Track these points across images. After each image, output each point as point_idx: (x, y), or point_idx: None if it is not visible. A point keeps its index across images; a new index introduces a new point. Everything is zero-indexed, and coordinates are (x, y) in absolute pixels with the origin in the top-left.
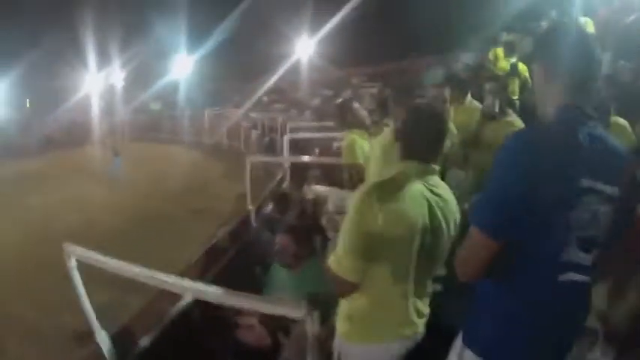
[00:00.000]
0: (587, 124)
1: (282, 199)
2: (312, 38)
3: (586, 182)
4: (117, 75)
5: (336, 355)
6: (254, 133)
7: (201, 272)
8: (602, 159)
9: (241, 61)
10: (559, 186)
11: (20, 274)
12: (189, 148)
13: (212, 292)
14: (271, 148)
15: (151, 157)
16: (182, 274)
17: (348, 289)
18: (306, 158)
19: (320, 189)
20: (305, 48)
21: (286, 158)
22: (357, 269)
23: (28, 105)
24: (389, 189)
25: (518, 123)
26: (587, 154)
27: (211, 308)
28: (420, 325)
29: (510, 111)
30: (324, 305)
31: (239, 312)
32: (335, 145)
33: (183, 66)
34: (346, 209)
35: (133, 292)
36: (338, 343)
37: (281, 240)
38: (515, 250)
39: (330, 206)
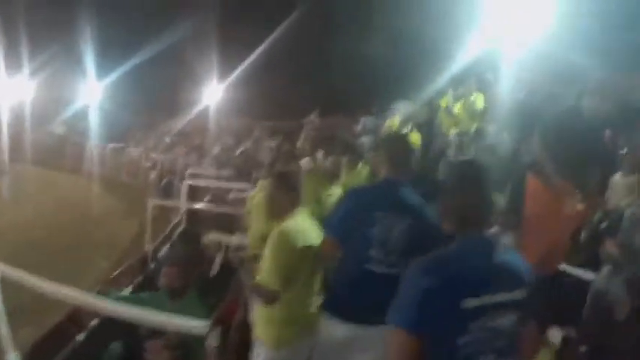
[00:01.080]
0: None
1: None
2: (221, 84)
3: (487, 298)
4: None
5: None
6: (153, 174)
7: None
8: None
9: (150, 96)
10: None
11: None
12: (89, 180)
13: (123, 310)
14: (168, 190)
15: (48, 184)
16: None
17: (275, 298)
18: (203, 206)
19: (215, 236)
20: (214, 93)
21: (185, 204)
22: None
23: None
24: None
25: None
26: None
27: (120, 331)
28: None
29: None
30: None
31: (147, 336)
32: (231, 195)
33: (93, 92)
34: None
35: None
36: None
37: (168, 271)
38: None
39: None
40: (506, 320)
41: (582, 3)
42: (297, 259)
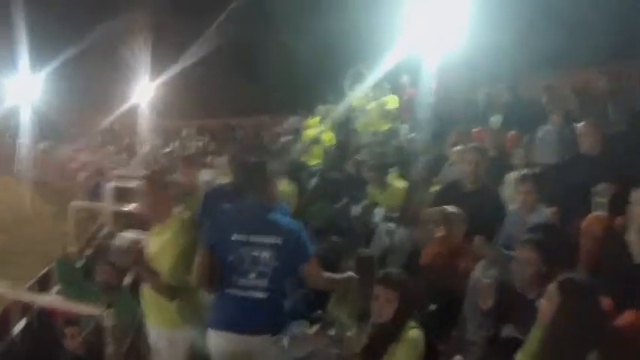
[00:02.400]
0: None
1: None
2: (152, 83)
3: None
4: None
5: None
6: (81, 175)
7: None
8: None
9: (82, 94)
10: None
11: None
12: (19, 181)
13: (29, 295)
14: (97, 192)
15: None
16: None
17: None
18: (128, 207)
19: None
20: (145, 92)
21: (108, 206)
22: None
23: None
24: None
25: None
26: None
27: (49, 322)
28: None
29: None
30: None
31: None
32: None
33: (23, 89)
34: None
35: None
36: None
37: (102, 270)
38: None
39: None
40: (264, 253)
41: (495, 11)
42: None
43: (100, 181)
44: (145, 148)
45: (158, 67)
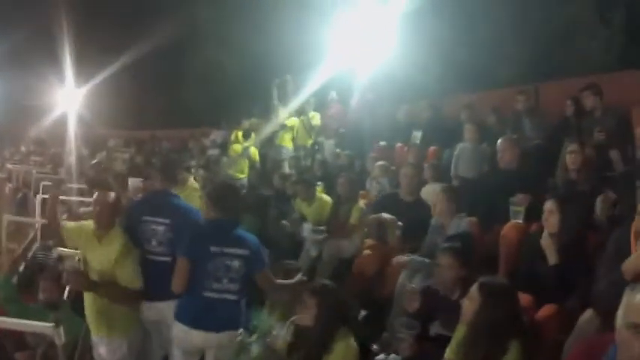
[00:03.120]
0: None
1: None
2: (79, 91)
3: (214, 248)
4: None
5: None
6: (8, 187)
7: None
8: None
9: (5, 102)
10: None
11: None
12: None
13: None
14: (24, 204)
15: None
16: None
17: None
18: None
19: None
20: (71, 100)
21: (38, 220)
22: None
23: None
24: None
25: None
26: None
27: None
28: None
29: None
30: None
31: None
32: (82, 209)
33: None
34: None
35: None
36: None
37: (46, 285)
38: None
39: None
40: (234, 262)
41: (421, 32)
42: None
43: (26, 192)
44: (71, 159)
45: (85, 74)
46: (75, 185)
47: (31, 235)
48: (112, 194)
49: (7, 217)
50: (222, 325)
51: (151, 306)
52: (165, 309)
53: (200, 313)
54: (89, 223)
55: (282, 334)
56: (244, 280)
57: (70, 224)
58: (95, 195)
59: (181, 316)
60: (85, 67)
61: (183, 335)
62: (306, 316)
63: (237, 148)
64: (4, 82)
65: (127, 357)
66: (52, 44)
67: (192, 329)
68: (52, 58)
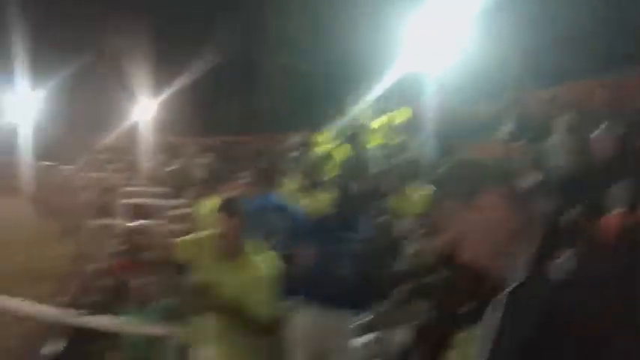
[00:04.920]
0: None
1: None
2: (153, 100)
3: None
4: None
5: None
6: (88, 193)
7: None
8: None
9: (82, 112)
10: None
11: None
12: (24, 201)
13: (98, 321)
14: (104, 209)
15: None
16: None
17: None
18: (140, 223)
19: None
20: (146, 109)
21: (122, 222)
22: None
23: None
24: None
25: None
26: None
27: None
28: None
29: None
30: None
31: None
32: (168, 212)
33: (21, 106)
34: None
35: None
36: None
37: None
38: None
39: None
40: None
41: (502, 26)
42: None
43: (106, 198)
44: (149, 166)
45: (159, 84)
46: (154, 189)
47: (114, 238)
48: (236, 220)
49: (91, 222)
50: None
51: None
52: None
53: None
54: (207, 238)
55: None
56: None
57: (187, 239)
58: (221, 222)
59: None
60: (160, 77)
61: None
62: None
63: (322, 149)
64: (80, 93)
65: None
66: (128, 55)
67: None
68: (132, 70)
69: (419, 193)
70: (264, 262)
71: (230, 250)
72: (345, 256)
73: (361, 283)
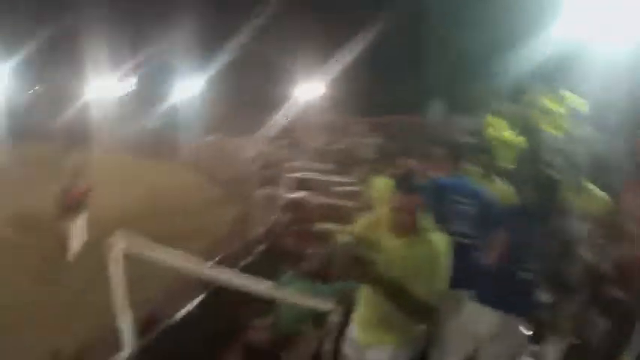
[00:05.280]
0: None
1: None
2: (320, 81)
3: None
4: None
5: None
6: (255, 165)
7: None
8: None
9: (246, 91)
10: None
11: None
12: (188, 170)
13: (254, 285)
14: (270, 181)
15: (141, 173)
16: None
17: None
18: (307, 196)
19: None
20: (312, 90)
21: (289, 194)
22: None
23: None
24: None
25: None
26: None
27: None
28: None
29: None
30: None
31: (254, 314)
32: (336, 188)
33: (188, 87)
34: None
35: None
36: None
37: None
38: None
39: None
40: None
41: None
42: None
43: (274, 171)
44: (315, 143)
45: (324, 65)
46: (318, 165)
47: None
48: (413, 197)
49: (260, 191)
50: None
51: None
52: None
53: None
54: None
55: None
56: None
57: (361, 223)
58: (394, 197)
59: None
60: (326, 58)
61: None
62: None
63: (495, 133)
64: (247, 73)
65: None
66: (300, 39)
67: None
68: (299, 52)
69: (601, 195)
70: (439, 242)
71: (405, 226)
72: (532, 253)
73: (538, 286)
